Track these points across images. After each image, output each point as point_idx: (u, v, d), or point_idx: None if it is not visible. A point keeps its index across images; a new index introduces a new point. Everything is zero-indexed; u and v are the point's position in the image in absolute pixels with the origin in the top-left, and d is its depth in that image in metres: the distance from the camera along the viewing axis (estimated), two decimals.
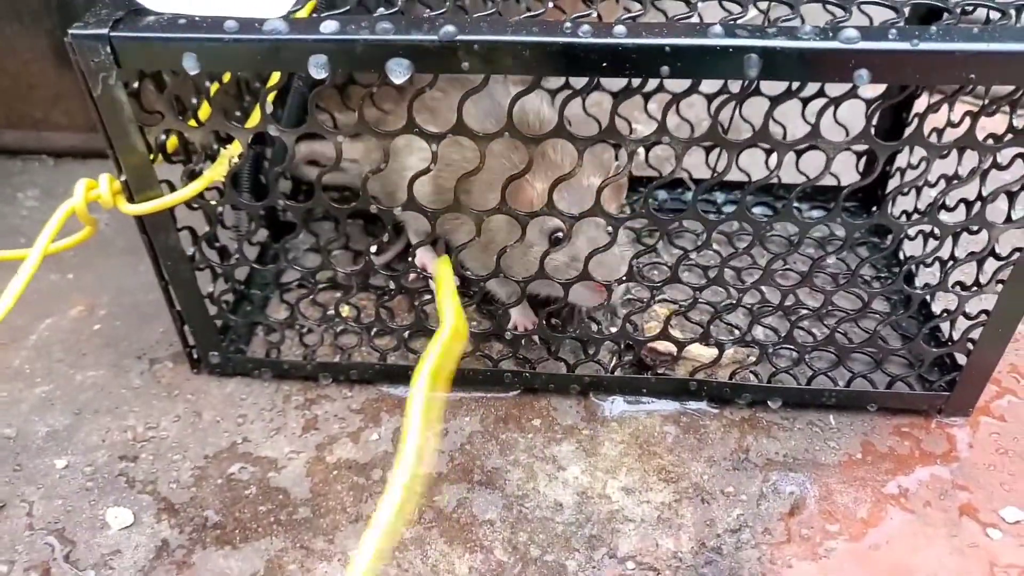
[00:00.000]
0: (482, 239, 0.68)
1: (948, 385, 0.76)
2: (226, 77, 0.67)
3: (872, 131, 0.59)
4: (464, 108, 0.59)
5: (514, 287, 0.73)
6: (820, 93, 0.88)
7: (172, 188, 0.68)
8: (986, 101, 0.64)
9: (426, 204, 0.66)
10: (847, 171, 0.92)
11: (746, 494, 0.71)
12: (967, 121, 0.61)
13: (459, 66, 0.55)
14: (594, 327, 0.84)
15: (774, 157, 0.96)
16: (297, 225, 0.71)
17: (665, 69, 0.54)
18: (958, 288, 0.72)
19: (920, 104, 0.94)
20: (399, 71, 0.55)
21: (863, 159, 0.99)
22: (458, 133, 0.60)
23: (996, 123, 0.68)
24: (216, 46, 0.56)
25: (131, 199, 0.66)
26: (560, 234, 0.71)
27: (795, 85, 0.71)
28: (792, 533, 0.68)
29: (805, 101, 0.90)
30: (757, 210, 1.03)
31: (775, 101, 0.61)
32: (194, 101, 0.72)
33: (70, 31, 0.56)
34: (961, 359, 0.75)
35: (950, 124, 0.79)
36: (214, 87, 0.72)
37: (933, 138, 0.81)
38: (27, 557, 0.65)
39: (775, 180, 0.77)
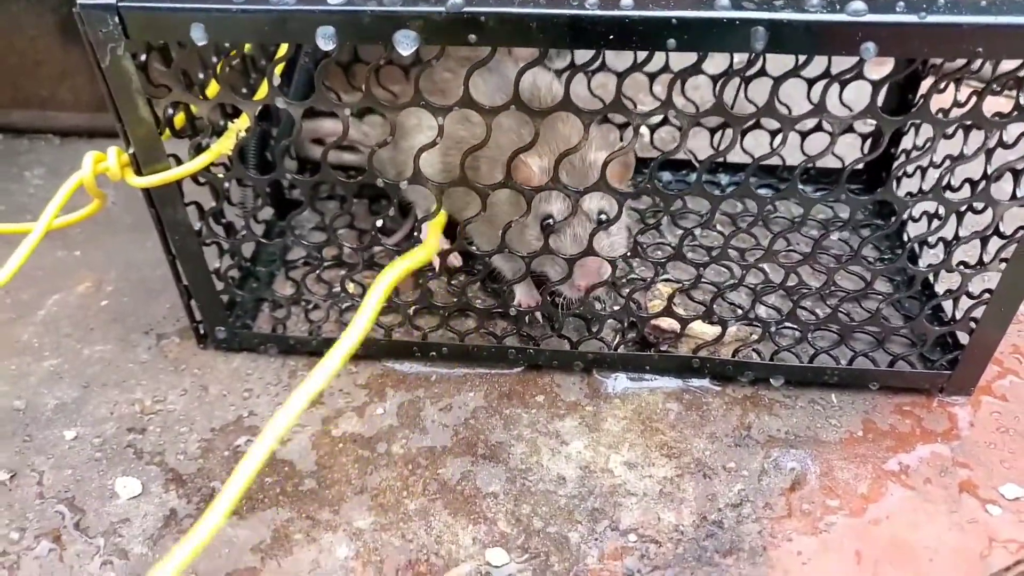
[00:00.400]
0: (487, 214, 0.69)
1: (950, 364, 0.77)
2: (232, 52, 0.67)
3: (878, 106, 0.60)
4: (473, 84, 0.59)
5: (519, 263, 0.73)
6: (825, 74, 0.88)
7: (179, 162, 0.68)
8: (992, 80, 0.64)
9: (435, 181, 0.67)
10: (852, 154, 0.92)
11: (747, 470, 0.72)
12: (973, 100, 0.62)
13: (466, 38, 0.55)
14: (598, 305, 0.84)
15: (778, 138, 0.97)
16: (303, 202, 0.72)
17: (672, 42, 0.55)
18: (961, 267, 0.72)
19: (926, 85, 0.94)
20: (406, 43, 0.55)
21: (868, 141, 0.99)
22: (464, 106, 0.60)
23: (1002, 104, 0.68)
24: (224, 16, 0.56)
25: (139, 172, 0.67)
26: (551, 221, 0.71)
27: (800, 64, 0.71)
28: (793, 508, 0.69)
29: (810, 83, 0.90)
30: (761, 192, 1.03)
31: (780, 79, 0.61)
32: (201, 76, 0.73)
33: (78, 1, 0.56)
34: (963, 338, 0.76)
35: (956, 104, 0.80)
36: (220, 63, 0.72)
37: (940, 116, 0.82)
38: (38, 524, 0.66)
39: (779, 162, 0.77)
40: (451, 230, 0.76)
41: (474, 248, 0.74)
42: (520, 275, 0.75)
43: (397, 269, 0.67)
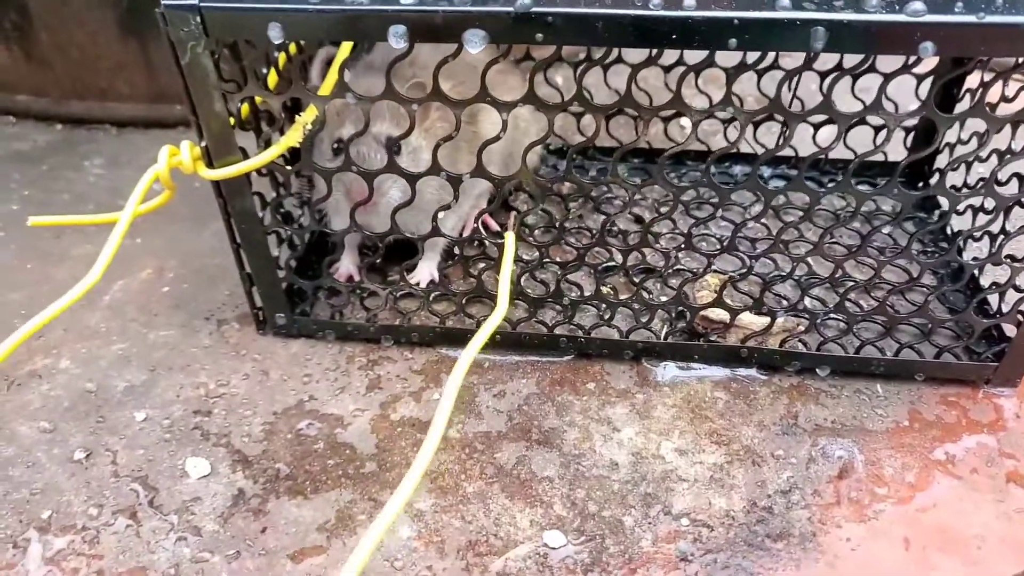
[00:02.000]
0: None
1: (996, 356, 0.78)
2: (282, 58, 0.69)
3: (933, 103, 0.61)
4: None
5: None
6: (870, 69, 0.89)
7: (246, 155, 0.71)
8: None
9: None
10: (894, 148, 0.93)
11: (796, 457, 0.73)
12: (1022, 96, 0.63)
13: (533, 37, 0.57)
14: (647, 295, 0.86)
15: (821, 133, 0.98)
16: None
17: (733, 41, 0.56)
18: (1009, 260, 0.73)
19: (973, 80, 0.94)
20: (475, 41, 0.57)
21: (911, 136, 1.00)
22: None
23: None
24: (300, 16, 0.58)
25: (210, 165, 0.69)
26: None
27: (859, 64, 0.72)
28: (841, 495, 0.70)
29: (855, 77, 0.90)
30: (808, 185, 1.04)
31: (826, 75, 0.63)
32: (264, 71, 0.75)
33: (162, 2, 0.59)
34: (1010, 331, 0.77)
35: (1004, 99, 0.80)
36: (282, 58, 0.75)
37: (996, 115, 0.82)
38: (114, 502, 0.69)
39: (822, 156, 0.78)
40: None
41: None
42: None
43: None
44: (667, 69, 0.98)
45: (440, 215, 0.74)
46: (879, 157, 0.87)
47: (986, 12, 0.54)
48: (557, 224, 0.82)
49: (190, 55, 0.61)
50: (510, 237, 0.78)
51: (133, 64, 1.11)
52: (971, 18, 0.54)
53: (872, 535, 0.67)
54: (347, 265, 0.90)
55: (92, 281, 0.68)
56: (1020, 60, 0.59)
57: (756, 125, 1.03)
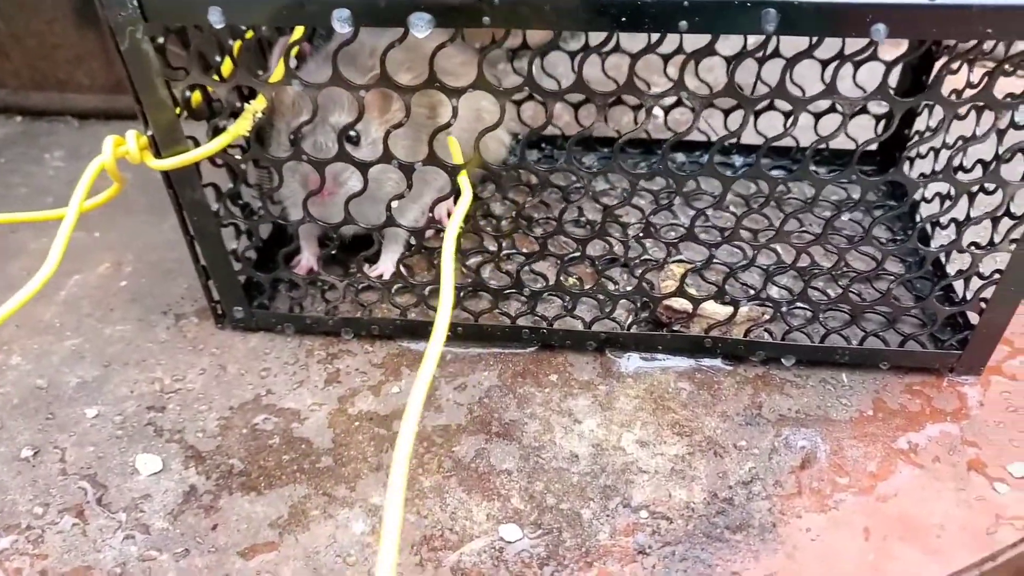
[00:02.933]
0: None
1: (960, 344, 0.77)
2: (248, 34, 0.68)
3: (888, 87, 0.60)
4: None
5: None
6: (839, 55, 0.88)
7: (197, 144, 0.69)
8: (1005, 60, 0.64)
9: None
10: (866, 135, 0.92)
11: (758, 448, 0.72)
12: (985, 81, 0.62)
13: (480, 20, 0.56)
14: (611, 285, 0.85)
15: (791, 120, 0.97)
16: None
17: (683, 24, 0.55)
18: (972, 247, 0.72)
19: (939, 65, 0.94)
20: (420, 25, 0.56)
21: (881, 123, 0.99)
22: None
23: (1015, 84, 0.68)
24: (242, 0, 0.57)
25: (158, 155, 0.68)
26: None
27: (812, 45, 0.71)
28: (803, 486, 0.69)
29: (824, 63, 0.90)
30: (774, 173, 1.04)
31: (793, 60, 0.61)
32: (217, 58, 0.74)
33: None
34: (974, 318, 0.76)
35: (969, 85, 0.79)
36: (237, 44, 0.73)
37: (953, 98, 0.82)
38: (61, 500, 0.67)
39: (793, 144, 0.77)
40: None
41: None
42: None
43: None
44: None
45: (394, 204, 0.72)
46: (849, 145, 0.87)
47: None
48: (516, 214, 0.81)
49: (129, 41, 0.59)
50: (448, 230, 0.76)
51: (92, 54, 1.09)
52: None
53: (832, 525, 0.66)
54: (307, 257, 0.89)
55: (43, 279, 0.67)
56: (975, 42, 0.58)
57: (726, 113, 1.02)
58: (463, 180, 0.70)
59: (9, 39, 1.08)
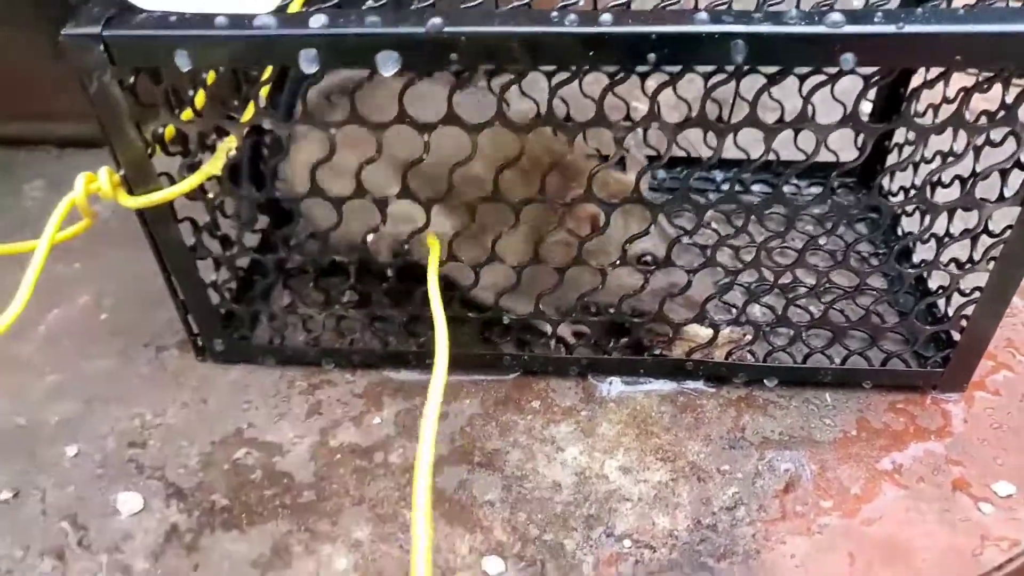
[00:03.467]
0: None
1: (943, 361, 0.77)
2: (211, 76, 0.67)
3: (861, 114, 0.60)
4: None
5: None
6: (816, 71, 0.88)
7: (172, 180, 0.69)
8: (979, 78, 0.64)
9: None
10: (847, 146, 0.92)
11: (742, 472, 0.72)
12: (958, 101, 0.61)
13: (447, 58, 0.55)
14: (592, 309, 0.85)
15: (767, 142, 0.97)
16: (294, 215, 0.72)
17: (652, 56, 0.55)
18: (952, 265, 0.72)
19: (916, 80, 0.94)
20: (388, 64, 0.56)
21: (861, 135, 0.99)
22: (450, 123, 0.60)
23: (994, 97, 0.68)
24: (207, 43, 0.56)
25: (131, 192, 0.67)
26: (648, 257, 0.74)
27: (779, 74, 0.71)
28: (787, 510, 0.69)
29: (802, 78, 0.89)
30: (756, 187, 1.04)
31: (769, 82, 0.61)
32: (191, 93, 0.73)
33: (63, 31, 0.57)
34: (956, 335, 0.76)
35: (945, 100, 0.79)
36: (211, 77, 0.73)
37: (929, 115, 0.81)
38: (42, 542, 0.67)
39: (772, 158, 0.76)
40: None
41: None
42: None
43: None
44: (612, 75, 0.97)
45: (370, 238, 0.72)
46: (831, 158, 0.87)
47: (905, 22, 0.53)
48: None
49: (96, 84, 0.59)
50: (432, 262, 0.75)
51: (71, 82, 1.08)
52: (890, 28, 0.53)
53: (817, 550, 0.66)
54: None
55: (12, 316, 0.66)
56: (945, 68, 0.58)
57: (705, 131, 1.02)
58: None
59: None
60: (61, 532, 0.68)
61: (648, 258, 0.73)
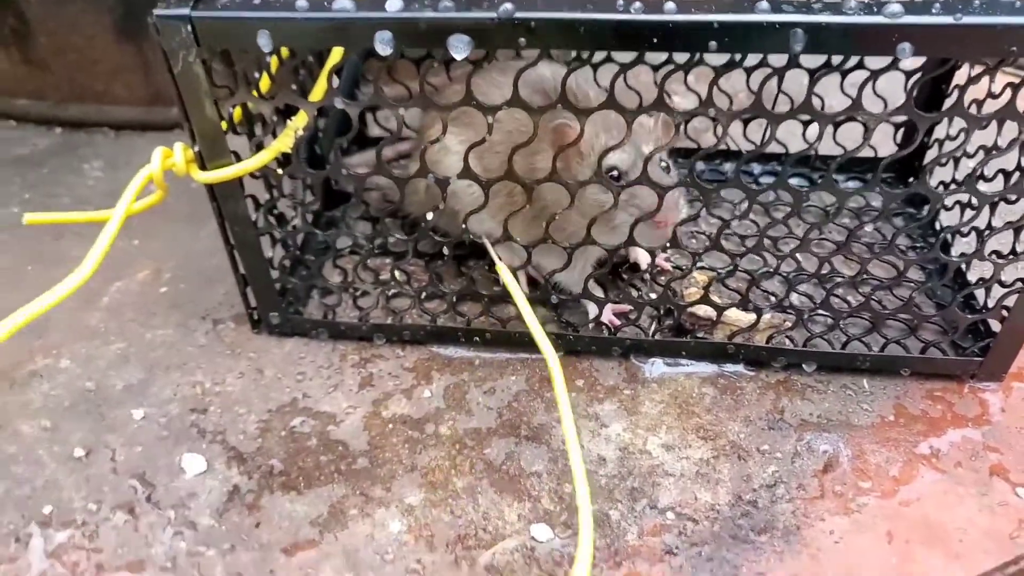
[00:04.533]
0: (534, 211, 0.71)
1: (981, 351, 0.78)
2: (274, 61, 0.71)
3: (912, 103, 0.62)
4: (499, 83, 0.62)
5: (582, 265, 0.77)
6: (859, 65, 0.90)
7: (238, 158, 0.72)
8: None
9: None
10: (884, 142, 0.94)
11: (781, 452, 0.74)
12: (1008, 92, 0.63)
13: (517, 42, 0.58)
14: (635, 292, 0.87)
15: (811, 129, 0.99)
16: (351, 193, 0.75)
17: (713, 44, 0.57)
18: (994, 256, 0.74)
19: (960, 76, 0.95)
20: (460, 47, 0.58)
21: (900, 131, 1.01)
22: (513, 105, 0.63)
23: None
24: (288, 24, 0.59)
25: (203, 168, 0.70)
26: (615, 172, 0.73)
27: (835, 59, 0.73)
28: (825, 489, 0.71)
29: (844, 73, 0.91)
30: (793, 181, 1.05)
31: (814, 73, 0.63)
32: (256, 75, 0.76)
33: (154, 12, 0.60)
34: (995, 326, 0.77)
35: (991, 95, 0.81)
36: (274, 61, 0.76)
37: (973, 109, 0.83)
38: (113, 497, 0.71)
39: (812, 152, 0.79)
40: None
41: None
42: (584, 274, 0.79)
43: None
44: (656, 67, 0.99)
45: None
46: (868, 153, 0.89)
47: (963, 13, 0.55)
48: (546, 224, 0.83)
49: (182, 64, 0.62)
50: (502, 268, 0.78)
51: (130, 67, 1.13)
52: (948, 19, 0.55)
53: (855, 528, 0.68)
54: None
55: (83, 277, 0.70)
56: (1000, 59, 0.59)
57: (745, 123, 1.04)
58: None
59: (51, 53, 1.12)
60: (131, 489, 0.71)
61: (615, 172, 0.73)
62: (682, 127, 1.02)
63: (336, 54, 0.70)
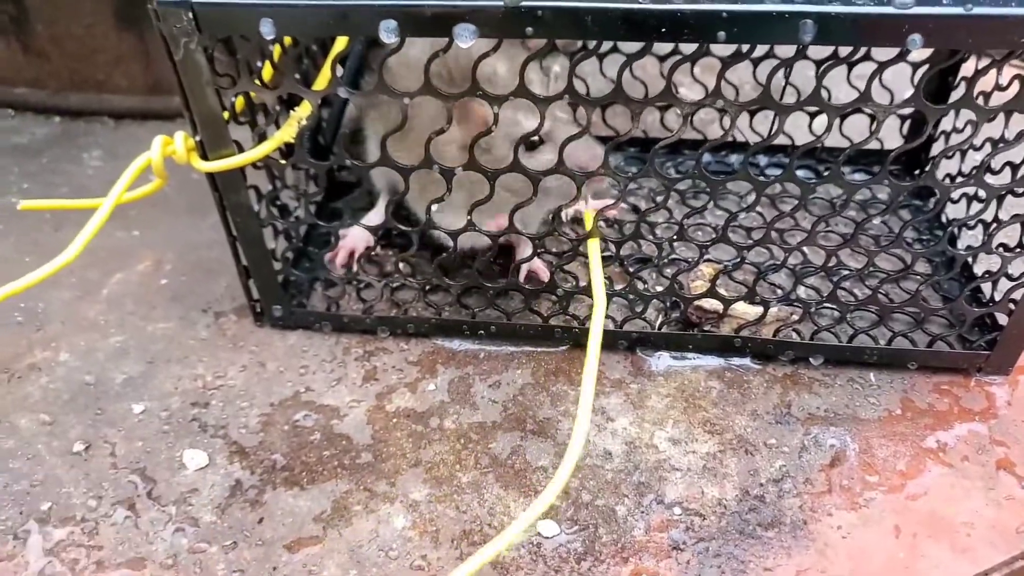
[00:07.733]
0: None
1: (988, 345, 0.78)
2: (276, 50, 0.70)
3: (921, 95, 0.61)
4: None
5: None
6: (866, 56, 0.89)
7: (240, 148, 0.71)
8: None
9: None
10: (889, 135, 0.93)
11: (788, 446, 0.74)
12: (1015, 85, 0.63)
13: (523, 31, 0.57)
14: (641, 285, 0.87)
15: (818, 121, 0.98)
16: (354, 183, 0.74)
17: (722, 34, 0.56)
18: (1001, 249, 0.73)
19: (968, 68, 0.94)
20: (465, 36, 0.57)
21: (907, 123, 1.00)
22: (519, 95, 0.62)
23: None
24: (291, 11, 0.59)
25: (204, 157, 0.70)
26: (536, 138, 0.72)
27: (843, 51, 0.72)
28: (832, 483, 0.71)
29: (851, 65, 0.90)
30: (800, 173, 1.05)
31: (821, 64, 0.62)
32: (259, 64, 0.75)
33: None
34: (1002, 319, 0.77)
35: (998, 87, 0.80)
36: (276, 50, 0.75)
37: (981, 101, 0.82)
38: (113, 493, 0.70)
39: (818, 145, 0.79)
40: None
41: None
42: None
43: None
44: (662, 58, 0.98)
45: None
46: (875, 145, 0.88)
47: (974, 4, 0.54)
48: (552, 216, 0.82)
49: (183, 51, 0.61)
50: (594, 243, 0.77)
51: (130, 56, 1.12)
52: (959, 10, 0.54)
53: (863, 522, 0.68)
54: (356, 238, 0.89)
55: (67, 258, 0.69)
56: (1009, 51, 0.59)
57: (752, 114, 1.03)
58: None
59: (49, 42, 1.11)
60: (131, 484, 0.71)
61: (536, 138, 0.72)
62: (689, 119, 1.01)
63: (340, 42, 0.69)
